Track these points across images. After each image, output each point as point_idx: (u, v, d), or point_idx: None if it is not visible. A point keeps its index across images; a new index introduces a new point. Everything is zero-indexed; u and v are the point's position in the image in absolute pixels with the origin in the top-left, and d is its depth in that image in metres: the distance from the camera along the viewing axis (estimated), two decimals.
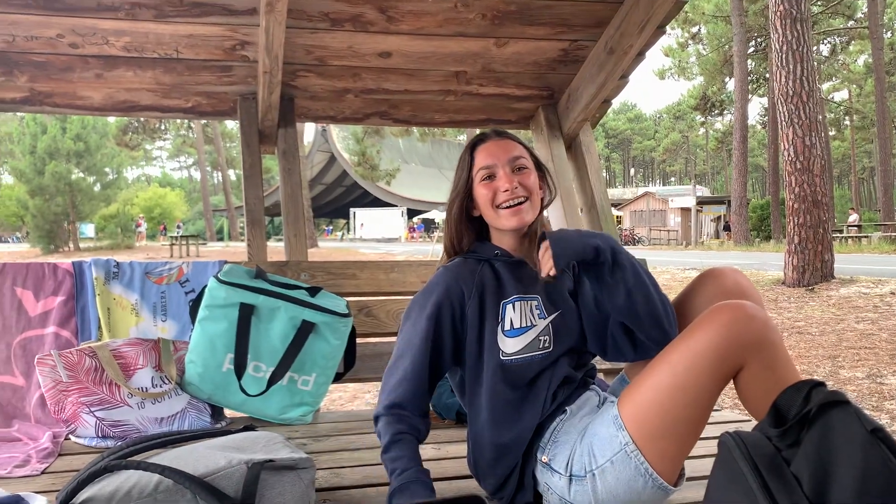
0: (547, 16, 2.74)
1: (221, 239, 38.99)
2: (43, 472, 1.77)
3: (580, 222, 3.10)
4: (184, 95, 2.93)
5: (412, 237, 39.68)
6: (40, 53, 2.65)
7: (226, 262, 2.40)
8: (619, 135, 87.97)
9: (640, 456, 1.34)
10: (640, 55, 2.80)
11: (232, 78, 2.87)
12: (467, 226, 1.64)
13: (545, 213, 1.73)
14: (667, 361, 1.36)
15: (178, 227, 34.88)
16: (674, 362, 1.34)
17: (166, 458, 1.39)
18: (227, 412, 2.30)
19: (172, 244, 23.72)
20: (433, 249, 17.07)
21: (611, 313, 1.53)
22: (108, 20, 2.53)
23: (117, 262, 2.46)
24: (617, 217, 38.05)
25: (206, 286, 2.20)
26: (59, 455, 1.92)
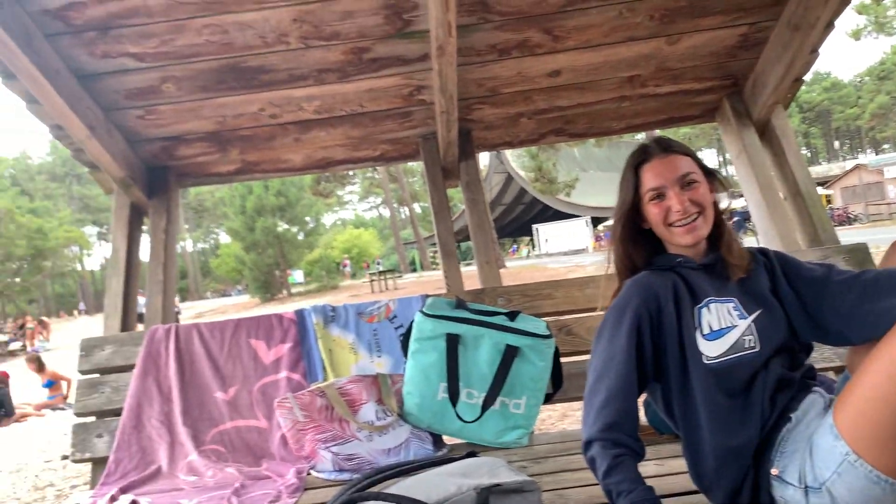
0: (720, 4, 2.63)
1: (414, 269, 40.76)
2: None
3: (784, 212, 2.89)
4: (371, 145, 3.14)
5: (600, 245, 38.96)
6: (247, 128, 2.97)
7: (427, 296, 2.53)
8: (816, 107, 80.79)
9: (866, 464, 1.23)
10: (830, 26, 2.59)
11: (412, 122, 3.03)
12: (639, 241, 1.61)
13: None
14: (879, 358, 1.24)
15: (378, 262, 36.99)
16: (888, 360, 1.23)
17: (401, 487, 1.48)
18: (447, 439, 2.39)
19: (372, 280, 25.14)
20: None
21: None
22: (300, 89, 2.78)
23: (333, 307, 2.67)
24: (826, 197, 34.82)
25: (413, 321, 2.33)
26: (305, 489, 2.10)
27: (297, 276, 34.64)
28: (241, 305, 30.61)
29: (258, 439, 2.46)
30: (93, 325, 41.06)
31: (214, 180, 3.21)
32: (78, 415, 2.63)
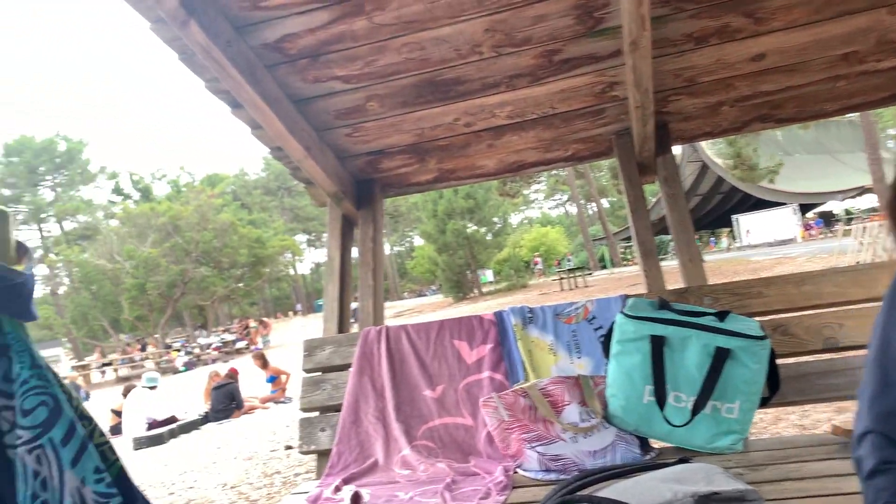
0: None
1: (604, 266, 39.94)
2: None
3: None
4: (563, 146, 3.14)
5: (809, 235, 35.80)
6: (443, 138, 3.10)
7: (627, 297, 2.48)
8: None
9: None
10: None
11: (605, 119, 2.99)
12: None
13: None
14: None
15: (569, 259, 36.71)
16: None
17: (614, 491, 1.48)
18: (653, 442, 2.34)
19: (561, 278, 25.01)
20: (839, 245, 15.16)
21: None
22: (492, 96, 2.85)
23: (531, 308, 2.71)
24: None
25: (614, 322, 2.31)
26: (513, 488, 2.16)
27: (487, 275, 35.32)
28: (436, 304, 31.78)
29: (465, 436, 2.56)
30: (306, 325, 44.63)
31: (415, 189, 3.38)
32: (303, 410, 2.88)
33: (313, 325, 41.85)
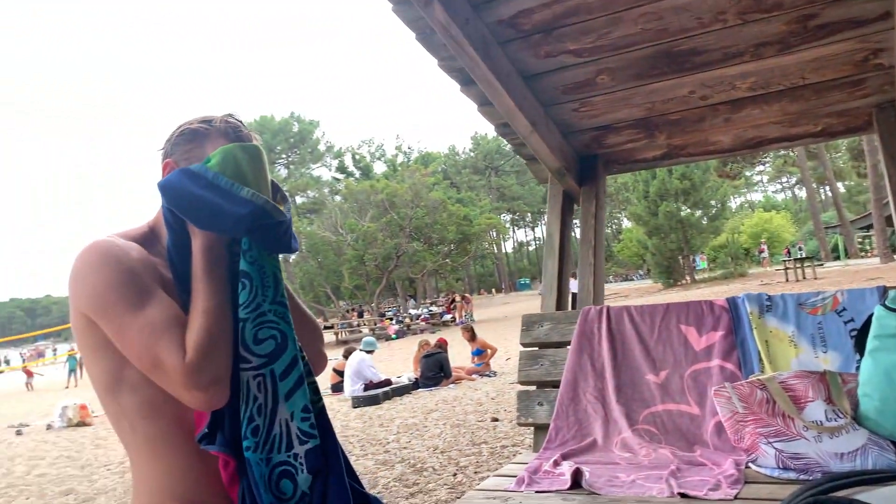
0: None
1: (837, 257, 36.17)
2: (735, 498, 1.90)
3: None
4: (812, 120, 2.87)
5: None
6: (675, 112, 2.96)
7: (886, 288, 2.22)
8: None
9: None
10: None
11: (865, 90, 2.69)
12: None
13: None
14: None
15: (800, 248, 33.73)
16: None
17: (873, 497, 1.34)
18: None
19: (787, 268, 23.05)
20: None
21: None
22: (733, 66, 2.67)
23: (769, 296, 2.52)
24: None
25: (870, 315, 2.07)
26: (745, 482, 2.03)
27: (701, 261, 33.51)
28: (643, 289, 30.80)
29: (690, 425, 2.45)
30: (508, 302, 45.41)
31: (640, 166, 3.28)
32: (521, 383, 2.92)
33: (515, 304, 42.44)
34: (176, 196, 1.19)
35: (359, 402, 9.21)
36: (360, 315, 33.65)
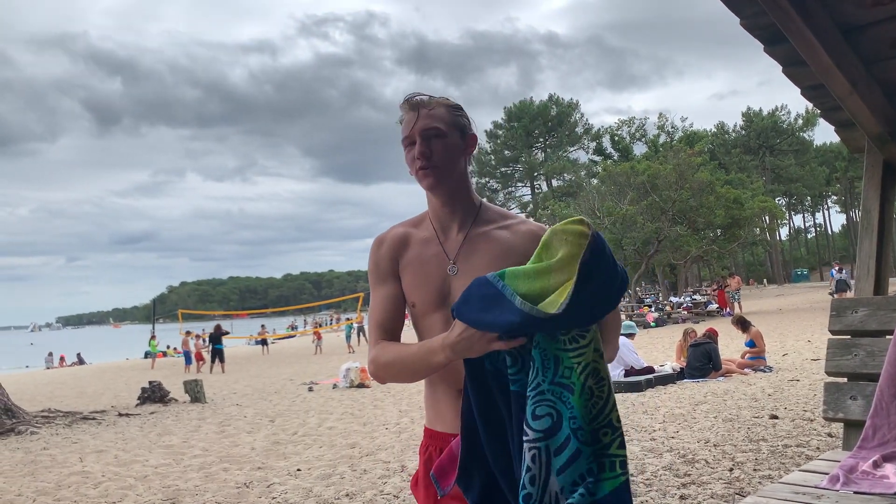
0: None
1: None
2: None
3: None
4: None
5: None
6: None
7: None
8: None
9: None
10: None
11: None
12: None
13: None
14: None
15: None
16: None
17: None
18: None
19: None
20: None
21: None
22: None
23: None
24: None
25: None
26: None
27: None
28: None
29: None
30: (782, 294, 41.68)
31: None
32: (829, 374, 2.63)
33: (790, 296, 38.73)
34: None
35: (619, 388, 9.04)
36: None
